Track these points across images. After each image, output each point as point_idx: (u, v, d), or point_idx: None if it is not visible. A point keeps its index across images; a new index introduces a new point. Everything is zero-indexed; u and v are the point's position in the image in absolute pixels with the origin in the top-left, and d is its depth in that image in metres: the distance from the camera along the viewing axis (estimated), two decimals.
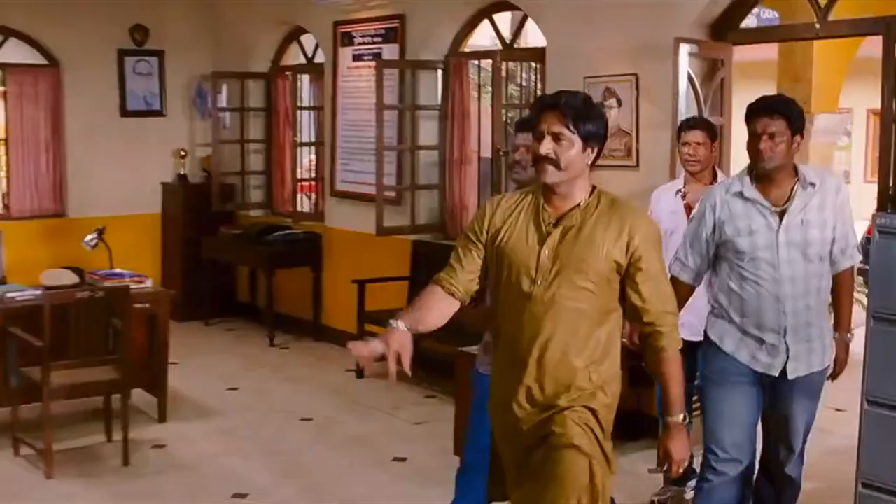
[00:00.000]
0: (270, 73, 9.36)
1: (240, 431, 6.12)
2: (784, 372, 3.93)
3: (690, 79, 5.59)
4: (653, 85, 5.84)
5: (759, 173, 3.88)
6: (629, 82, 5.96)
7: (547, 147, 2.94)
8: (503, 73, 6.85)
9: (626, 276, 3.01)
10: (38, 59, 9.11)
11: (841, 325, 4.11)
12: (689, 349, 4.09)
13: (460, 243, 3.17)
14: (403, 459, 5.55)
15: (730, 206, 3.92)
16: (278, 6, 8.85)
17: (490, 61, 7.11)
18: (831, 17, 5.45)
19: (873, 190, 5.39)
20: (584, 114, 2.95)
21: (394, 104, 7.44)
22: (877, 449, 4.12)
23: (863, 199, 7.32)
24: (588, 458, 2.97)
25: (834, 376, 4.14)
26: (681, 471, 3.18)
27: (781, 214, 3.85)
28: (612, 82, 6.07)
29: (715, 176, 4.94)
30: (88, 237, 6.78)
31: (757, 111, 3.86)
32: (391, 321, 3.01)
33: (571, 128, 2.93)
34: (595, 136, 2.97)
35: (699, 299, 4.25)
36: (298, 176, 9.19)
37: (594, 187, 3.06)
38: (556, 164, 2.93)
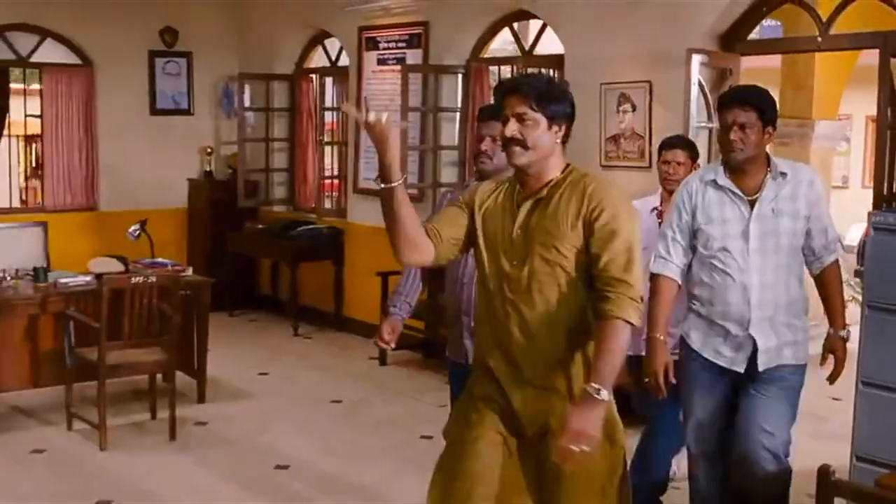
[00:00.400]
0: (294, 75, 9.76)
1: (274, 413, 6.52)
2: (752, 368, 3.92)
3: (701, 86, 6.01)
4: (665, 91, 6.25)
5: (732, 164, 3.89)
6: (643, 89, 6.37)
7: (512, 129, 2.96)
8: None
9: (587, 243, 2.96)
10: (72, 59, 9.50)
11: (835, 321, 4.04)
12: None
13: (449, 208, 3.19)
14: (430, 437, 5.95)
15: (704, 195, 3.95)
16: (304, 11, 9.26)
17: (508, 67, 7.53)
18: (832, 31, 5.86)
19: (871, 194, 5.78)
20: (546, 93, 2.96)
21: (417, 106, 7.85)
22: (870, 426, 4.40)
23: (861, 203, 7.68)
24: (596, 468, 2.98)
25: (833, 377, 4.07)
26: (575, 447, 2.82)
27: (753, 204, 3.86)
28: (626, 88, 6.48)
29: None
30: (132, 228, 7.17)
31: (728, 102, 3.88)
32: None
33: (535, 107, 2.94)
34: (560, 113, 2.98)
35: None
36: (321, 174, 9.60)
37: (568, 165, 3.06)
38: (523, 144, 2.95)
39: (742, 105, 3.80)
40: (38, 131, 9.57)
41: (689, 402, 4.12)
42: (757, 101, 3.82)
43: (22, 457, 5.59)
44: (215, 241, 9.57)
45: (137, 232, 7.14)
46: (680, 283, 4.06)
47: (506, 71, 7.57)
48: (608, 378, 2.86)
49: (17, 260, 6.56)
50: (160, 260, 6.86)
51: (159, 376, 6.15)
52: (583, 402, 2.85)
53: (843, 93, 8.80)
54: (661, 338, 4.00)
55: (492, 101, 3.82)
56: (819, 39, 5.93)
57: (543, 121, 2.94)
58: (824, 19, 5.87)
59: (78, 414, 5.93)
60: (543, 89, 2.96)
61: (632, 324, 2.90)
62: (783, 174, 3.86)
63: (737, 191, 3.87)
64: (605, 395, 2.84)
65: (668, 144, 4.89)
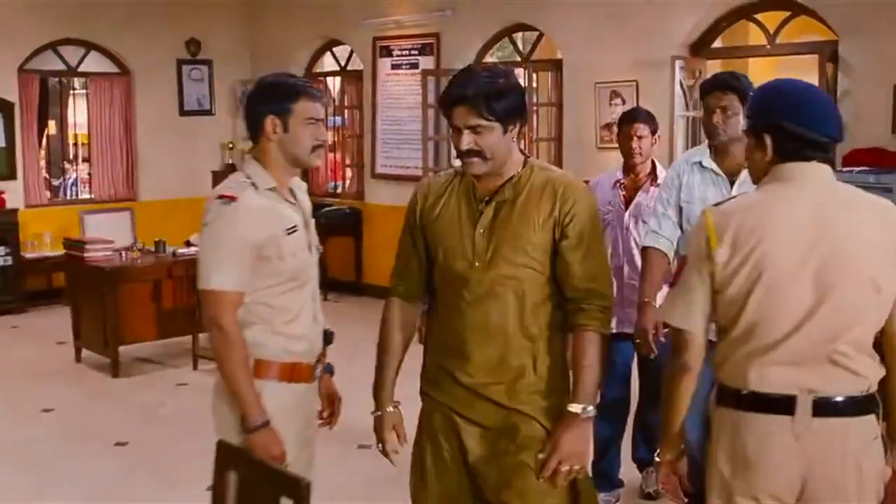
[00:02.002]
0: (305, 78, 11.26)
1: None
2: None
3: (680, 84, 7.77)
4: (649, 89, 7.99)
5: (716, 146, 4.04)
6: (631, 87, 8.10)
7: (467, 141, 2.76)
8: (527, 81, 8.94)
9: (557, 247, 2.81)
10: (113, 68, 10.88)
11: None
12: None
13: (401, 240, 3.05)
14: None
15: (689, 175, 4.12)
16: (318, 23, 10.77)
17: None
18: (778, 41, 7.70)
19: None
20: (494, 94, 2.72)
21: (432, 104, 9.46)
22: None
23: None
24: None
25: None
26: (566, 468, 2.79)
27: (732, 183, 3.97)
28: (617, 87, 8.21)
29: (654, 168, 4.92)
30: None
31: (710, 88, 4.02)
32: (372, 412, 3.04)
33: (487, 116, 2.73)
34: (512, 111, 2.77)
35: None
36: (337, 162, 11.18)
37: (526, 158, 2.92)
38: (482, 155, 2.77)
39: (723, 90, 3.97)
40: (86, 132, 10.91)
41: None
42: (737, 84, 3.97)
43: (171, 389, 7.08)
44: None
45: None
46: (670, 256, 4.24)
47: None
48: (592, 394, 2.80)
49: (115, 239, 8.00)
50: None
51: None
52: (570, 422, 2.78)
53: None
54: (652, 303, 4.24)
55: None
56: (768, 47, 7.76)
57: (498, 127, 2.75)
58: (771, 31, 7.69)
59: (202, 355, 7.42)
60: (491, 91, 2.73)
61: (605, 335, 2.85)
62: None
63: (719, 172, 4.04)
64: (591, 411, 2.80)
65: (631, 118, 4.88)
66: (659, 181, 4.68)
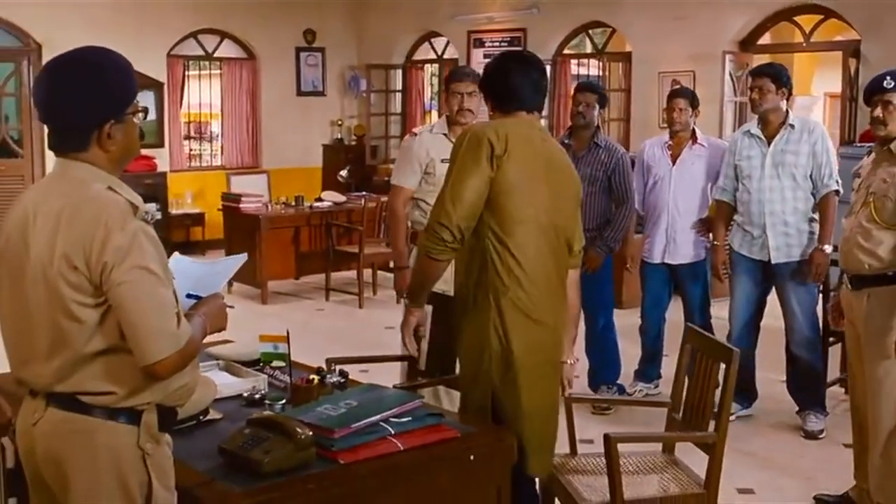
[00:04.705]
0: (405, 65, 12.99)
1: None
2: (770, 258, 5.28)
3: (730, 74, 9.33)
4: (704, 77, 9.55)
5: (759, 116, 5.31)
6: (689, 76, 9.67)
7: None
8: (601, 71, 10.57)
9: None
10: (242, 54, 12.68)
11: (821, 238, 5.24)
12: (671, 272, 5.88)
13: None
14: None
15: (741, 141, 5.39)
16: (418, 17, 12.45)
17: (585, 60, 10.83)
18: (813, 39, 9.23)
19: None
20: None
21: None
22: None
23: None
24: None
25: (817, 276, 5.28)
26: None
27: (770, 144, 5.24)
28: (677, 75, 9.78)
29: (694, 133, 5.87)
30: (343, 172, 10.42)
31: (752, 74, 5.52)
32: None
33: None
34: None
35: (681, 234, 5.78)
36: None
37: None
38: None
39: (760, 75, 5.34)
40: (219, 109, 12.79)
41: (733, 286, 5.56)
42: (769, 70, 5.36)
43: (311, 313, 8.83)
44: (344, 189, 12.77)
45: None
46: (734, 205, 5.44)
47: (584, 64, 10.86)
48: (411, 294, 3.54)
49: None
50: (364, 193, 10.11)
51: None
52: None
53: (814, 76, 12.25)
54: (718, 244, 5.62)
55: (572, 86, 5.96)
56: (804, 44, 9.31)
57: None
58: (807, 31, 9.23)
59: (336, 288, 9.17)
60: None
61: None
62: (792, 126, 5.25)
63: (761, 135, 5.30)
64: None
65: (673, 95, 5.97)
66: (700, 141, 5.85)
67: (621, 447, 3.34)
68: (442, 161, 4.59)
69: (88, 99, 2.32)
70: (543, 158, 3.35)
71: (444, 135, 4.86)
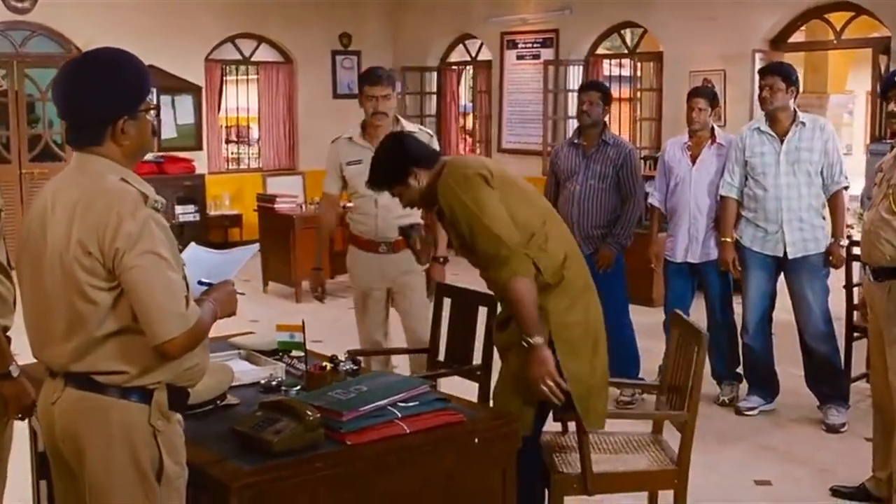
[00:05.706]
0: (440, 67, 13.11)
1: None
2: (787, 253, 5.34)
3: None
4: (734, 76, 9.56)
5: (768, 114, 5.36)
6: (720, 75, 9.69)
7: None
8: (632, 70, 10.61)
9: None
10: (279, 58, 12.87)
11: (835, 233, 5.44)
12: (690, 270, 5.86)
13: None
14: None
15: (750, 138, 5.43)
16: (452, 19, 12.56)
17: (617, 60, 10.88)
18: (844, 36, 9.21)
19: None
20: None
21: (552, 89, 11.19)
22: None
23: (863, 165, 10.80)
24: None
25: (835, 265, 5.45)
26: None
27: (782, 141, 5.34)
28: (708, 74, 9.80)
29: (713, 132, 5.84)
30: None
31: (762, 72, 5.48)
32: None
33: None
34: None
35: (703, 233, 5.77)
36: (465, 139, 13.00)
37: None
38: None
39: (770, 74, 5.40)
40: (256, 112, 12.98)
41: (746, 282, 5.61)
42: (778, 69, 5.44)
43: (344, 311, 8.94)
44: None
45: None
46: (741, 200, 5.51)
47: (615, 63, 10.92)
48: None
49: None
50: None
51: None
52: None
53: (849, 73, 12.19)
54: (728, 240, 5.62)
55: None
56: (834, 41, 9.30)
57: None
58: (838, 28, 9.22)
59: None
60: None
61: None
62: (803, 123, 5.37)
63: (772, 133, 5.39)
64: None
65: (692, 94, 5.92)
66: (718, 140, 5.79)
67: (613, 426, 3.68)
68: (348, 164, 5.02)
69: (103, 96, 2.47)
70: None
71: (350, 139, 5.17)
